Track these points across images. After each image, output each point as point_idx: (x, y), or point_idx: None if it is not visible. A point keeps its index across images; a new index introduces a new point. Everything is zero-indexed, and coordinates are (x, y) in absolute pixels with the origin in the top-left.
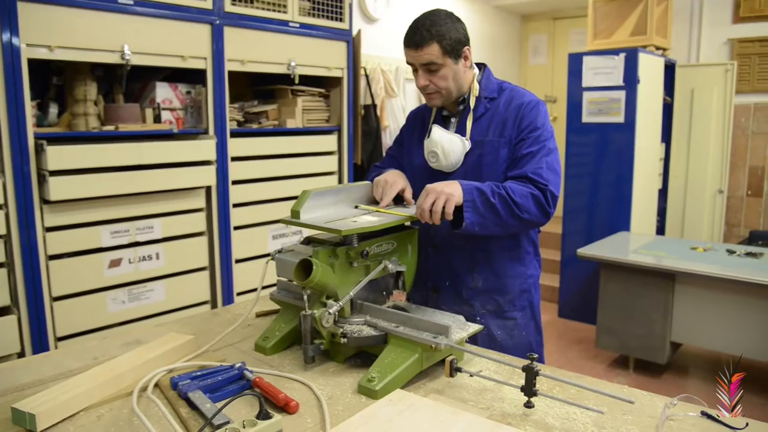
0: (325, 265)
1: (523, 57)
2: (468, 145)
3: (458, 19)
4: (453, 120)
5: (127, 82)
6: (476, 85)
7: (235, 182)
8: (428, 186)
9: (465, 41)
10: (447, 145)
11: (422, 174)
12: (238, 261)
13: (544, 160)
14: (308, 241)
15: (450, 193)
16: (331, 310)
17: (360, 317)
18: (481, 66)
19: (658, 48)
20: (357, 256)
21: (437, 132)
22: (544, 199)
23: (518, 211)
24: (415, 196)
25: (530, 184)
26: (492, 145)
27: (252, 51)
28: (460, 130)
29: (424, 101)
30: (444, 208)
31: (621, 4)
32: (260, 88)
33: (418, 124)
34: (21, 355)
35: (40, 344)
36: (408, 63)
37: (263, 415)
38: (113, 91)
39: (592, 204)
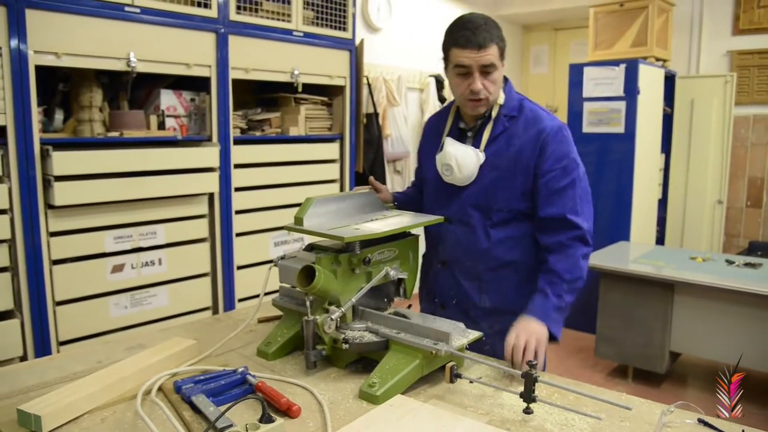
0: (328, 271)
1: (525, 66)
2: (482, 157)
3: None
4: (469, 134)
5: (132, 89)
6: (502, 95)
7: (237, 189)
8: (518, 325)
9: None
10: (461, 158)
11: (436, 188)
12: (239, 267)
13: (577, 193)
14: (311, 247)
15: (540, 332)
16: (333, 316)
17: (361, 323)
18: (504, 78)
19: (658, 59)
20: (359, 263)
21: (451, 145)
22: (587, 247)
23: (580, 285)
24: (431, 210)
25: (574, 242)
26: (508, 170)
27: (256, 59)
28: (476, 144)
29: (427, 110)
30: (536, 349)
31: (622, 15)
32: (264, 96)
33: (433, 135)
34: (23, 359)
35: (42, 348)
36: (458, 66)
37: (266, 419)
38: (118, 98)
39: None
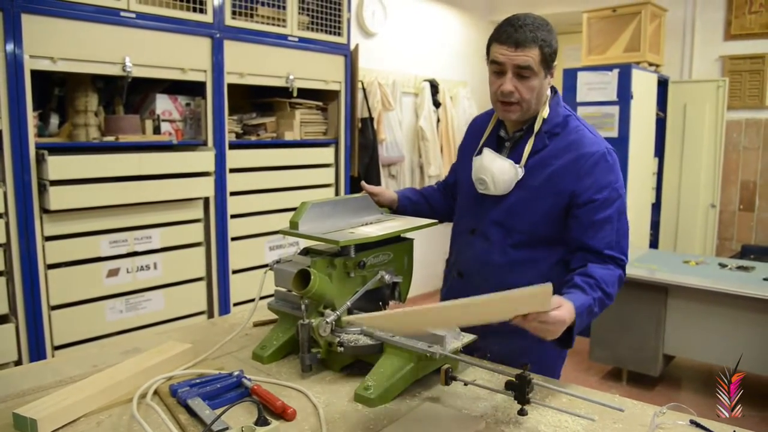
0: (323, 275)
1: None
2: (521, 173)
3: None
4: (507, 144)
5: (128, 94)
6: (547, 108)
7: (233, 193)
8: (564, 306)
9: (556, 56)
10: (498, 172)
11: (466, 195)
12: (235, 272)
13: (616, 227)
14: (306, 251)
15: (562, 327)
16: (328, 320)
17: (356, 327)
18: (552, 89)
19: (651, 64)
20: (354, 267)
21: (488, 156)
22: (624, 275)
23: (609, 303)
24: (459, 214)
25: (612, 262)
26: (538, 191)
27: (251, 64)
28: (514, 157)
29: (421, 115)
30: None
31: (615, 20)
32: (259, 101)
33: (476, 136)
34: (18, 363)
35: (37, 353)
36: (493, 62)
37: (261, 422)
38: (114, 103)
39: None
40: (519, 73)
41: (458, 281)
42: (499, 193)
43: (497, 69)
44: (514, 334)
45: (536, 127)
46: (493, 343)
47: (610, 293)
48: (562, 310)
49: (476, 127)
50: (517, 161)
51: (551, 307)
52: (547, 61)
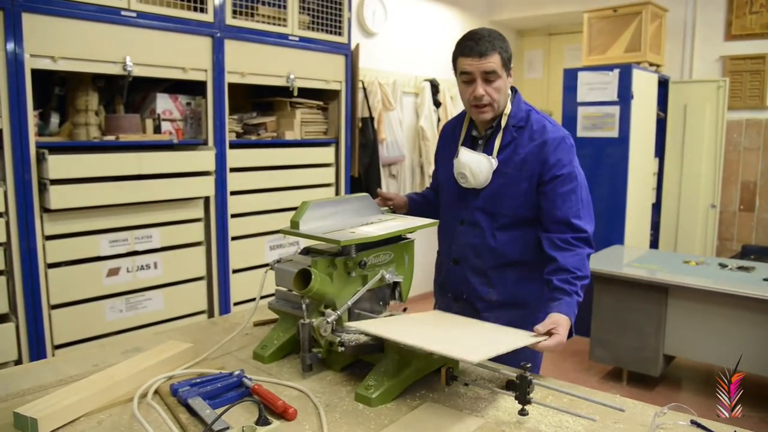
0: (324, 275)
1: (519, 71)
2: (495, 163)
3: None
4: (480, 142)
5: (128, 93)
6: (509, 105)
7: (233, 193)
8: (561, 323)
9: (512, 59)
10: (475, 166)
11: (449, 191)
12: (235, 271)
13: (579, 199)
14: (307, 251)
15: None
16: (329, 319)
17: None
18: (512, 89)
19: (651, 64)
20: (355, 266)
21: (465, 154)
22: (591, 249)
23: (587, 284)
24: (446, 210)
25: (579, 242)
26: (513, 177)
27: (252, 63)
28: (487, 151)
29: (422, 115)
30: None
31: (615, 20)
32: (259, 100)
33: (448, 141)
34: (18, 362)
35: (37, 352)
36: (462, 73)
37: (262, 422)
38: (114, 102)
39: None
40: (486, 78)
41: (455, 267)
42: (478, 185)
43: (467, 78)
44: (506, 306)
45: (503, 123)
46: (487, 314)
47: (585, 276)
48: (560, 329)
49: (449, 130)
50: (490, 154)
51: (547, 329)
52: (506, 64)
